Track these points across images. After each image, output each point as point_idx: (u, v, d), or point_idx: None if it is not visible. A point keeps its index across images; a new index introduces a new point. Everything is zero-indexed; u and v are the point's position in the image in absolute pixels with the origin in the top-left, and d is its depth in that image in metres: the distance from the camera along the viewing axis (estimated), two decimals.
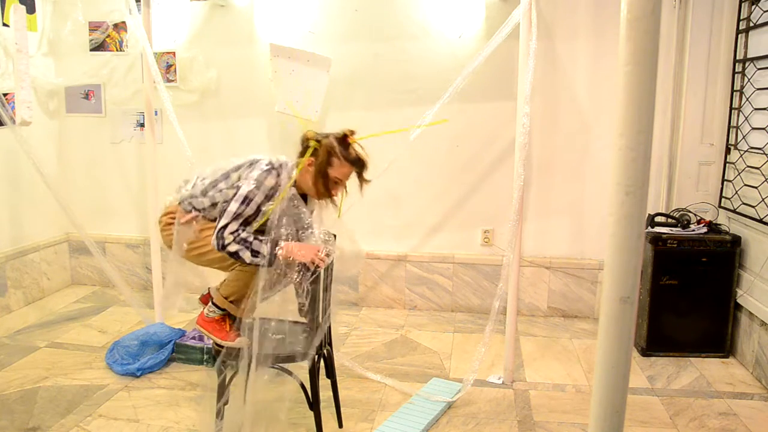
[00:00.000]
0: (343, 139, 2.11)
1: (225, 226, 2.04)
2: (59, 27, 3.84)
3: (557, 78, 3.43)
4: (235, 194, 2.06)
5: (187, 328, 3.15)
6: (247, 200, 2.05)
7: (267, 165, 2.10)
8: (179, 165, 3.22)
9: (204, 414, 2.45)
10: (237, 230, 2.05)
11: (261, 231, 2.11)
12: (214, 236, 2.05)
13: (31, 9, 3.67)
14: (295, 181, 2.14)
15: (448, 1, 3.46)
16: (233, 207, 2.04)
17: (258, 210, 2.08)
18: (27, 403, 2.53)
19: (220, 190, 2.13)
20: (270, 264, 2.05)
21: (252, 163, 2.12)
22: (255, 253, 2.04)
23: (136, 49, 3.70)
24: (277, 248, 2.05)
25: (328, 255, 2.12)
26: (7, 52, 3.37)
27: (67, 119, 3.98)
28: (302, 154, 2.14)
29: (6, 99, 3.19)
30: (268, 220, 2.08)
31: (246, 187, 2.05)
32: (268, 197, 2.08)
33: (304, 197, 2.22)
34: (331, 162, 2.09)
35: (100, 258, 3.27)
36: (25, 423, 2.38)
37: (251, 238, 2.05)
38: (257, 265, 2.05)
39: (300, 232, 2.15)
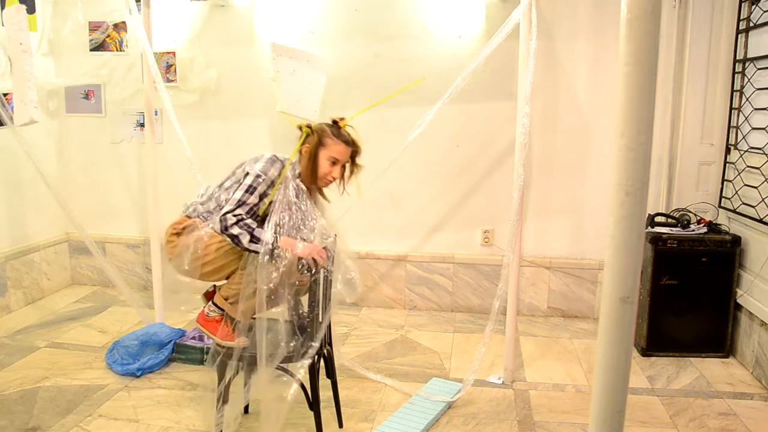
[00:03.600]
0: (334, 123, 2.22)
1: (230, 211, 2.05)
2: (59, 27, 3.84)
3: (557, 78, 3.43)
4: (240, 184, 2.10)
5: (187, 328, 3.15)
6: (251, 189, 2.08)
7: (270, 156, 2.17)
8: (179, 165, 3.23)
9: (204, 414, 2.46)
10: (241, 215, 2.05)
11: (264, 218, 2.12)
12: (218, 219, 2.05)
13: (31, 9, 3.67)
14: (300, 174, 2.18)
15: (448, 1, 3.46)
16: (238, 195, 2.08)
17: (261, 199, 2.11)
18: (27, 403, 2.53)
19: (226, 188, 2.18)
20: (268, 253, 2.04)
21: (257, 159, 2.17)
22: (254, 239, 2.03)
23: (136, 49, 3.70)
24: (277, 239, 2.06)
25: (326, 253, 2.12)
26: (6, 52, 3.37)
27: (67, 119, 3.98)
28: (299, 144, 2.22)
29: (6, 99, 3.19)
30: (270, 205, 2.11)
31: (251, 177, 2.09)
32: (271, 187, 2.12)
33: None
34: (325, 143, 2.17)
35: (100, 258, 3.27)
36: (25, 423, 2.38)
37: (254, 225, 2.06)
38: (254, 252, 2.05)
39: (301, 222, 2.15)
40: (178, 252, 2.14)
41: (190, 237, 2.12)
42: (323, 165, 2.18)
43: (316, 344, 2.13)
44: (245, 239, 2.03)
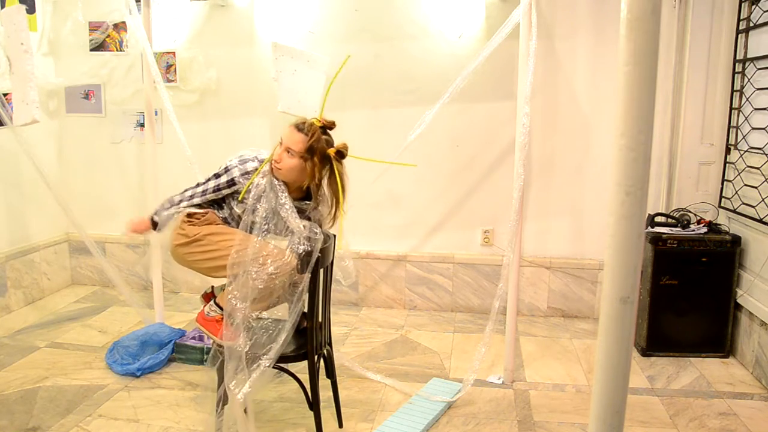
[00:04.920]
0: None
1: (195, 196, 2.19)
2: (59, 27, 3.84)
3: (557, 78, 3.43)
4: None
5: (187, 328, 3.15)
6: (225, 169, 2.14)
7: (252, 155, 2.18)
8: (179, 165, 3.23)
9: (204, 414, 2.46)
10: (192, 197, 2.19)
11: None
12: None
13: (31, 9, 3.67)
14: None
15: (448, 1, 3.46)
16: (211, 182, 2.18)
17: (228, 184, 2.14)
18: (27, 403, 2.54)
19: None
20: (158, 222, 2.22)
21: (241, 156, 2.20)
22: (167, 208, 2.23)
23: (136, 49, 3.70)
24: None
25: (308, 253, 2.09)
26: (6, 52, 3.37)
27: (67, 119, 3.98)
28: None
29: (6, 99, 3.19)
30: (246, 193, 2.12)
31: (227, 163, 2.17)
32: (244, 175, 2.13)
33: (307, 198, 2.22)
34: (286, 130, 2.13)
35: (100, 258, 3.27)
36: (25, 423, 2.39)
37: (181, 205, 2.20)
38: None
39: (276, 218, 2.12)
40: (185, 241, 2.12)
41: (203, 229, 2.11)
42: (275, 150, 2.12)
43: (313, 344, 2.13)
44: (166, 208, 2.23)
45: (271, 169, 2.12)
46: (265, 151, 2.21)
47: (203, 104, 3.79)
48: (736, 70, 3.07)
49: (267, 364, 2.00)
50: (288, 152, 2.08)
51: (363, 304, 3.82)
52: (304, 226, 2.09)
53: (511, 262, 2.66)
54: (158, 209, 2.24)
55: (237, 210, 2.18)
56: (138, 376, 2.79)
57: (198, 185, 2.22)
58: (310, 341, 2.13)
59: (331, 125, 2.15)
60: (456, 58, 3.44)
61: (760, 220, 2.79)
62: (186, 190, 2.23)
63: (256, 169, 2.12)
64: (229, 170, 2.15)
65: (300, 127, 2.09)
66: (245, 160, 2.16)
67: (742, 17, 3.02)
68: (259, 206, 2.09)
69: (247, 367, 2.00)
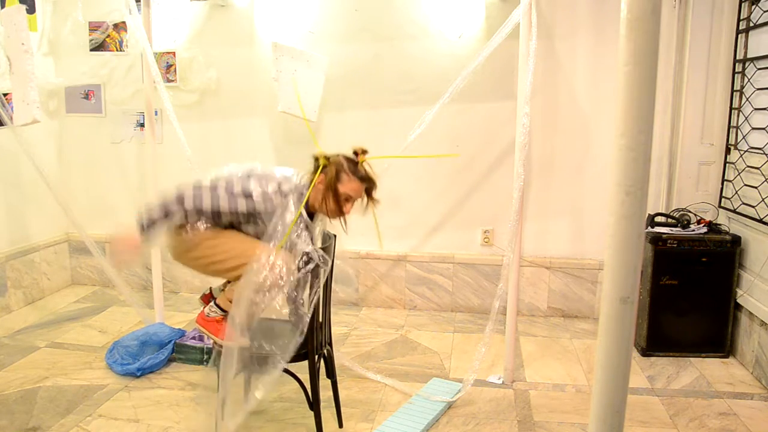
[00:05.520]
0: (353, 158, 2.13)
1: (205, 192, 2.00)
2: (59, 27, 3.84)
3: (557, 78, 3.43)
4: (243, 188, 2.02)
5: (187, 328, 3.15)
6: (235, 198, 2.00)
7: (277, 185, 2.06)
8: (179, 165, 3.22)
9: (204, 414, 2.46)
10: (200, 206, 2.00)
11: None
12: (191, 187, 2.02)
13: (31, 9, 3.67)
14: (307, 200, 2.11)
15: (448, 1, 3.46)
16: (223, 192, 2.01)
17: (244, 213, 2.03)
18: (27, 403, 2.54)
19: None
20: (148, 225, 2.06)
21: (271, 178, 2.08)
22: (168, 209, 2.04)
23: (136, 49, 3.70)
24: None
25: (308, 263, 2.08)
26: (6, 52, 3.37)
27: (67, 119, 3.98)
28: (313, 173, 2.12)
29: (6, 99, 3.19)
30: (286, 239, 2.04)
31: (255, 194, 2.01)
32: (266, 212, 2.04)
33: (311, 215, 2.22)
34: (341, 178, 2.08)
35: (100, 258, 3.27)
36: (25, 423, 2.38)
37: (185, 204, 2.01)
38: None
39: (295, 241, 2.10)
40: (183, 247, 2.12)
41: (198, 234, 2.07)
42: (336, 200, 2.11)
43: (314, 344, 2.12)
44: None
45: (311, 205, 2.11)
46: (294, 172, 2.13)
47: (203, 104, 3.79)
48: (736, 70, 3.07)
49: (283, 365, 1.99)
50: (347, 200, 2.11)
51: (363, 304, 3.82)
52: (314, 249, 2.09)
53: (511, 262, 2.66)
54: (150, 216, 2.08)
55: (248, 230, 2.10)
56: (138, 376, 2.79)
57: (199, 192, 2.02)
58: (310, 341, 2.13)
59: (362, 153, 2.15)
60: (456, 58, 3.44)
61: (760, 220, 2.79)
62: (180, 194, 2.03)
63: (277, 204, 2.04)
64: (249, 197, 2.02)
65: (362, 176, 2.12)
66: (277, 181, 2.05)
67: (742, 17, 3.02)
68: (279, 225, 2.04)
69: (259, 367, 2.00)
